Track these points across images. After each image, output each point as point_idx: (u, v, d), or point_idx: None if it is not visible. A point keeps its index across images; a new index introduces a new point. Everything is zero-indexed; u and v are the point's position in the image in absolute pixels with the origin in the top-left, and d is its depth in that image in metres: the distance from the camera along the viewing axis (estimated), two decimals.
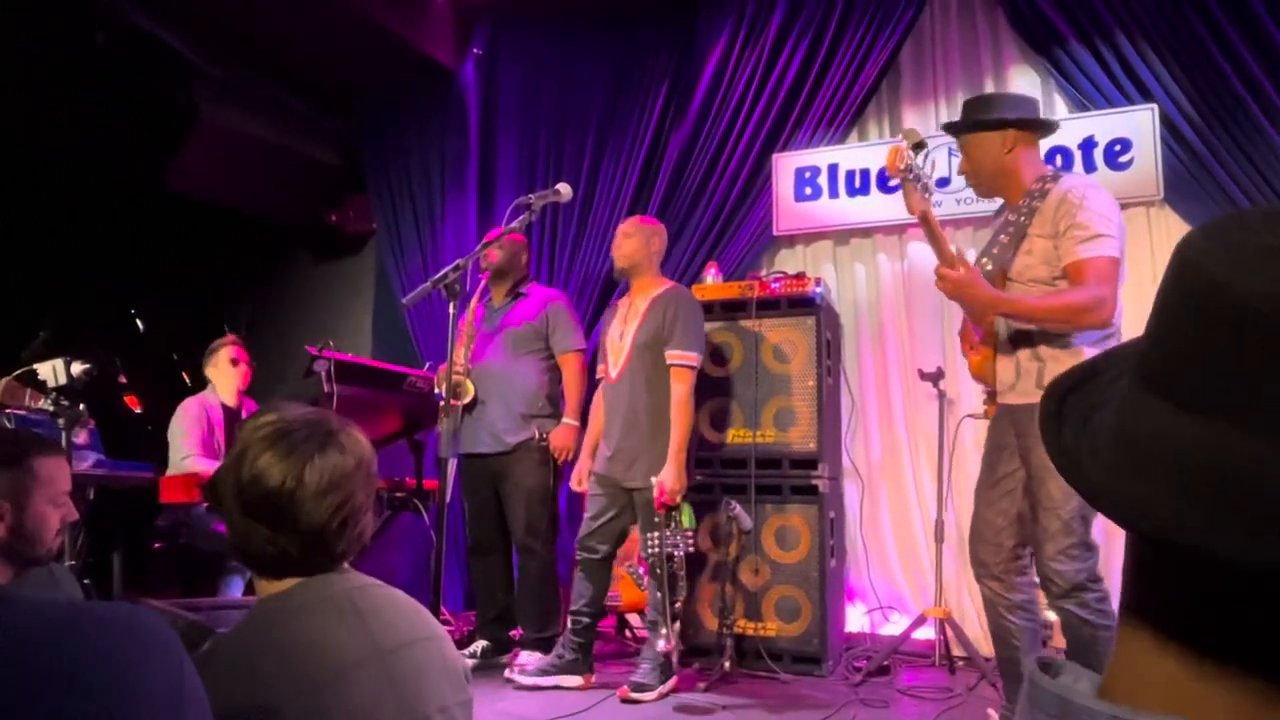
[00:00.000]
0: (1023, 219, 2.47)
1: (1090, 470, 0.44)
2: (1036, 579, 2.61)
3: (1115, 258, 2.35)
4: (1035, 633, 2.57)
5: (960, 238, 4.18)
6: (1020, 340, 2.48)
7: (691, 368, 3.30)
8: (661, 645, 3.12)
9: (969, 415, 3.82)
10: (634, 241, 3.44)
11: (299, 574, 1.17)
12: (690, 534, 3.19)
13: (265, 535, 1.14)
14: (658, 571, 3.13)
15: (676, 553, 3.13)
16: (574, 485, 3.58)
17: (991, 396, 2.62)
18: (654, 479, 3.16)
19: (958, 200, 4.12)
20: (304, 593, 1.16)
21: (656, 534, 3.14)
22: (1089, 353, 2.40)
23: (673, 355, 3.30)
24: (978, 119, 2.54)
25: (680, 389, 3.26)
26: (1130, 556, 0.46)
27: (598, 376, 3.61)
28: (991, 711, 2.71)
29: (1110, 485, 0.42)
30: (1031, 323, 2.42)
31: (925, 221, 2.42)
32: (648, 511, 3.24)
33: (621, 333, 3.44)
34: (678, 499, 3.16)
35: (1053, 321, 2.39)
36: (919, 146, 2.43)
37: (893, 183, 2.43)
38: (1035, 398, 2.42)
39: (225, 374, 4.00)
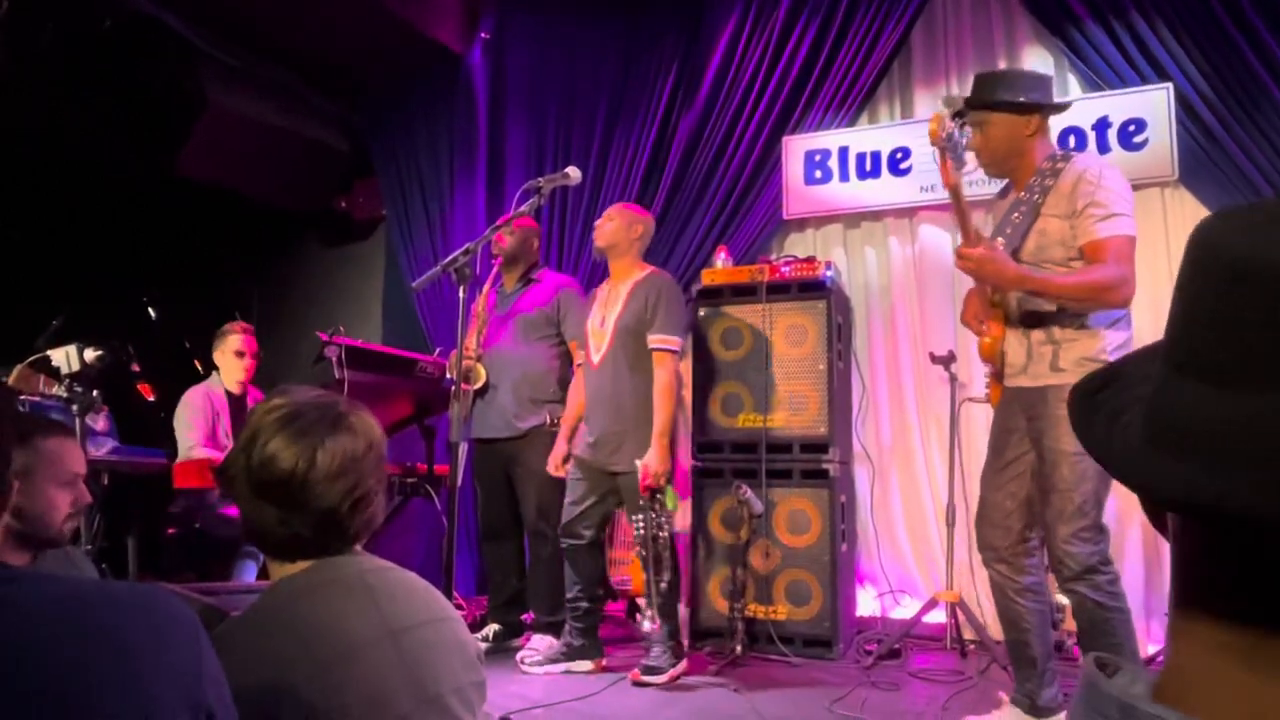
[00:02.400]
0: (1036, 198, 2.44)
1: (1124, 455, 0.43)
2: (1044, 561, 2.60)
3: (1133, 236, 2.34)
4: (1045, 615, 2.56)
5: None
6: (1032, 322, 2.46)
7: (673, 352, 3.30)
8: (646, 626, 3.15)
9: (969, 399, 3.80)
10: (614, 224, 3.43)
11: (312, 556, 1.18)
12: (672, 515, 3.22)
13: (277, 517, 1.15)
14: (643, 553, 3.15)
15: (661, 534, 3.15)
16: (551, 470, 3.54)
17: (995, 379, 2.60)
18: (638, 462, 3.18)
19: (968, 182, 4.08)
20: (316, 574, 1.17)
21: (642, 516, 3.16)
22: (1105, 334, 2.38)
23: (654, 340, 3.29)
24: (1005, 100, 2.47)
25: (663, 374, 3.26)
26: (1177, 553, 0.45)
27: (577, 363, 3.60)
28: (1003, 694, 2.71)
29: (1148, 467, 0.42)
30: (1058, 300, 2.39)
31: (955, 195, 2.39)
32: (633, 496, 3.25)
33: (603, 318, 3.42)
34: (661, 481, 3.18)
35: (1078, 300, 2.36)
36: (959, 115, 2.40)
37: (933, 151, 2.40)
38: (1049, 380, 2.41)
39: (230, 364, 3.98)
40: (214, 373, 4.03)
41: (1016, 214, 2.48)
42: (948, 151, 2.34)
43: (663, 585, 3.16)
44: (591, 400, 3.41)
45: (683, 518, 3.86)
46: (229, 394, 3.97)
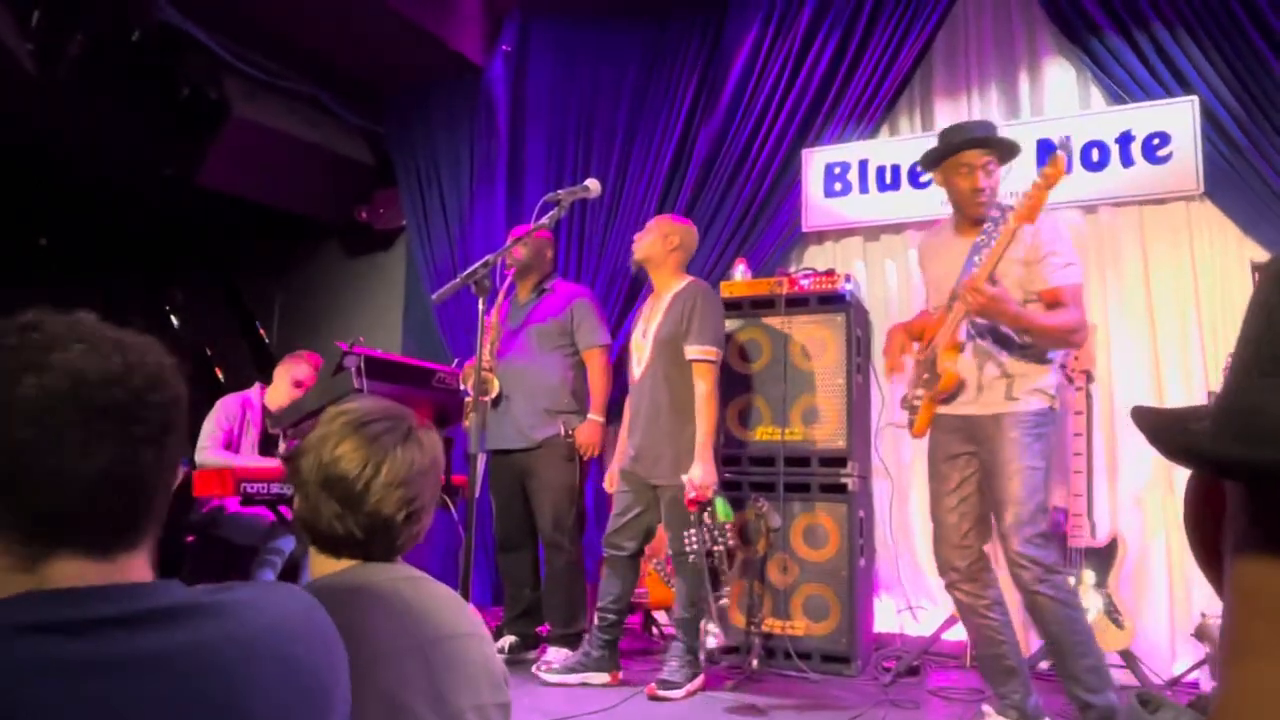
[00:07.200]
0: (994, 242, 2.58)
1: (1196, 438, 0.43)
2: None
3: (1082, 284, 2.61)
4: (1011, 625, 2.69)
5: None
6: (985, 354, 2.62)
7: (711, 362, 3.26)
8: (713, 642, 3.14)
9: (891, 424, 3.65)
10: (651, 237, 3.44)
11: (356, 556, 1.21)
12: (728, 527, 3.17)
13: (335, 512, 1.19)
14: (699, 567, 3.11)
15: (716, 548, 3.11)
16: (607, 486, 3.58)
17: (927, 408, 2.70)
18: (684, 476, 3.14)
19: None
20: (352, 577, 1.19)
21: (694, 531, 3.12)
22: (1053, 369, 2.62)
23: (691, 351, 3.27)
24: (1010, 142, 2.73)
25: (703, 385, 3.23)
26: (1238, 570, 0.44)
27: (629, 377, 3.60)
28: (986, 708, 2.72)
29: (1221, 445, 0.42)
30: (1039, 339, 2.57)
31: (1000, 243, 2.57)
32: (672, 508, 3.23)
33: (645, 331, 3.43)
34: (709, 494, 3.14)
35: (1051, 339, 2.58)
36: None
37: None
38: (1003, 408, 2.60)
39: (283, 388, 4.00)
40: (259, 384, 4.06)
41: (978, 256, 2.61)
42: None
43: (723, 600, 3.14)
44: (633, 413, 3.43)
45: None
46: (267, 409, 4.00)
